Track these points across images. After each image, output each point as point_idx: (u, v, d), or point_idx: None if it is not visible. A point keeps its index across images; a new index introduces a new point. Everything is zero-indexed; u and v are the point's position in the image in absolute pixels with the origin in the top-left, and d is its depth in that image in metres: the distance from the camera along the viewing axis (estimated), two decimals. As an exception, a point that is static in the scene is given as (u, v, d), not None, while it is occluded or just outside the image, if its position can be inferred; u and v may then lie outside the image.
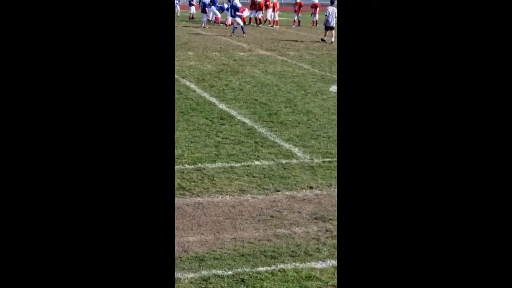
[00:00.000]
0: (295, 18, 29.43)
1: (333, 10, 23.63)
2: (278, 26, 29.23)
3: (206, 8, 28.86)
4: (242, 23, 25.67)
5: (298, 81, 15.14)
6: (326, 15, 24.09)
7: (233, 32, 25.05)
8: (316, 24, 28.72)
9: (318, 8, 28.88)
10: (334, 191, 7.66)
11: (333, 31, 23.22)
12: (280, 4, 31.61)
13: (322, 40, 23.76)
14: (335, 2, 24.44)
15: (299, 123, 10.92)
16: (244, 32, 24.95)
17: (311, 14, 29.42)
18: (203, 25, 27.91)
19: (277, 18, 29.78)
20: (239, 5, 26.64)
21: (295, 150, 9.35)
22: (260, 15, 29.77)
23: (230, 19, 28.02)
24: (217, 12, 29.60)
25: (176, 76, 15.22)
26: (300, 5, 29.35)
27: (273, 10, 30.02)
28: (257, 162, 8.71)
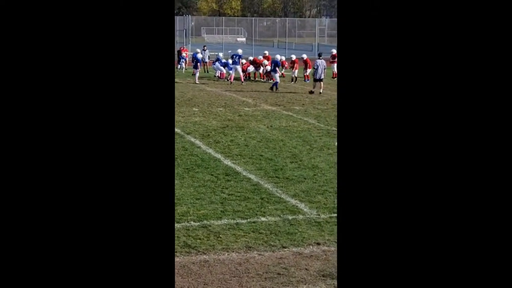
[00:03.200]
0: (293, 75, 29.81)
1: (321, 63, 24.94)
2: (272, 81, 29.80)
3: (198, 64, 29.45)
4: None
5: (304, 136, 15.25)
6: (315, 68, 25.10)
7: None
8: (308, 78, 29.25)
9: (308, 63, 29.57)
10: (341, 247, 7.63)
11: (321, 82, 24.60)
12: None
13: (311, 92, 24.43)
14: (322, 55, 26.43)
15: (305, 179, 10.96)
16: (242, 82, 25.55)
17: (303, 69, 29.92)
18: (196, 81, 28.31)
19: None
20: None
21: (301, 205, 9.37)
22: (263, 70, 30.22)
23: (233, 75, 28.54)
24: (221, 68, 30.03)
25: (181, 132, 15.37)
26: (295, 62, 29.95)
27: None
28: (263, 218, 8.72)
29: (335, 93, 24.10)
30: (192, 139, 14.60)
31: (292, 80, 29.41)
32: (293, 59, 30.17)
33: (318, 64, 25.02)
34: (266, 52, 32.19)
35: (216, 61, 30.80)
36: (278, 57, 28.25)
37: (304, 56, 30.45)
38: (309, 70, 29.47)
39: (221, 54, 32.35)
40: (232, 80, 28.43)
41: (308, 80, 29.22)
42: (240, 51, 30.70)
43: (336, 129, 16.15)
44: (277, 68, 26.73)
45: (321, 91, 24.39)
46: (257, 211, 9.06)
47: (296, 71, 29.63)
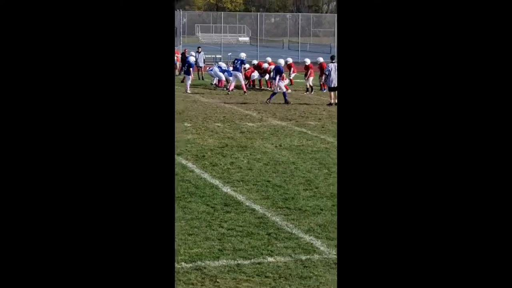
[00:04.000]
0: (307, 83, 29.69)
1: (334, 68, 25.03)
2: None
3: (191, 69, 29.54)
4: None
5: (320, 158, 15.26)
6: (326, 74, 25.30)
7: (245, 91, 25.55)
8: (311, 89, 29.28)
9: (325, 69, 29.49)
10: (366, 294, 7.61)
11: (336, 92, 24.40)
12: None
13: (330, 104, 24.51)
14: (336, 58, 25.93)
15: (321, 210, 10.95)
16: (245, 92, 25.42)
17: (319, 76, 29.97)
18: (186, 90, 28.36)
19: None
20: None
21: (317, 243, 9.35)
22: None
23: (233, 83, 28.64)
24: (220, 74, 30.15)
25: (170, 153, 15.39)
26: (309, 68, 29.62)
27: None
28: (270, 259, 8.71)
29: (359, 105, 24.15)
30: (184, 161, 14.62)
31: (307, 90, 29.43)
32: (307, 63, 30.03)
33: (330, 68, 25.05)
34: (269, 58, 32.18)
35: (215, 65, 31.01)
36: (282, 62, 28.03)
37: (320, 59, 30.14)
38: (311, 79, 29.45)
39: (221, 62, 32.44)
40: (231, 89, 28.54)
41: (325, 89, 29.27)
42: (243, 55, 30.36)
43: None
44: (277, 77, 26.07)
45: (337, 101, 24.47)
46: (263, 249, 9.05)
47: (311, 78, 29.61)
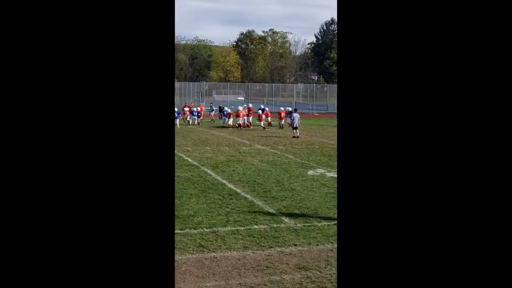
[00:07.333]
0: (281, 122, 29.74)
1: (296, 116, 24.86)
2: (251, 127, 29.42)
3: (224, 112, 28.86)
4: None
5: (285, 167, 15.25)
6: (292, 119, 25.23)
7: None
8: (282, 127, 29.03)
9: (282, 114, 29.58)
10: (313, 247, 7.61)
11: (297, 130, 24.50)
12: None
13: (294, 137, 24.39)
14: (297, 110, 26.53)
15: (285, 198, 10.94)
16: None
17: (279, 119, 29.85)
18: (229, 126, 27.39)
19: (250, 121, 29.83)
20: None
21: (283, 217, 9.35)
22: (246, 121, 29.72)
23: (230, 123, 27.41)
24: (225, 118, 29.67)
25: (197, 164, 15.33)
26: (280, 113, 29.95)
27: (248, 115, 30.06)
28: (256, 226, 8.69)
29: (308, 137, 24.26)
30: (206, 169, 14.59)
31: (280, 127, 29.18)
32: (281, 109, 30.38)
33: (293, 116, 25.17)
34: (250, 105, 32.12)
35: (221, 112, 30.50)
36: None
37: (281, 108, 30.88)
38: (282, 120, 29.40)
39: (240, 108, 30.29)
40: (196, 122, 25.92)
41: (283, 127, 29.00)
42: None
43: (308, 163, 16.17)
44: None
45: (298, 135, 24.49)
46: (252, 221, 9.03)
47: (283, 120, 29.53)
